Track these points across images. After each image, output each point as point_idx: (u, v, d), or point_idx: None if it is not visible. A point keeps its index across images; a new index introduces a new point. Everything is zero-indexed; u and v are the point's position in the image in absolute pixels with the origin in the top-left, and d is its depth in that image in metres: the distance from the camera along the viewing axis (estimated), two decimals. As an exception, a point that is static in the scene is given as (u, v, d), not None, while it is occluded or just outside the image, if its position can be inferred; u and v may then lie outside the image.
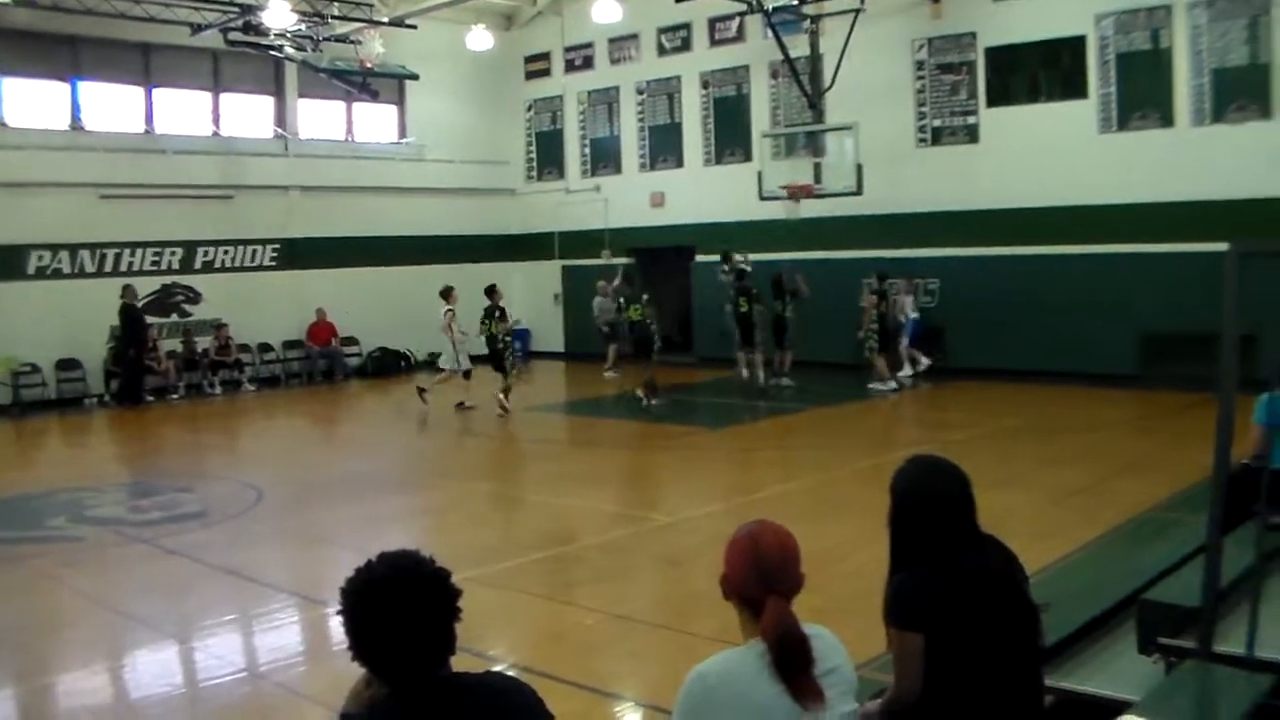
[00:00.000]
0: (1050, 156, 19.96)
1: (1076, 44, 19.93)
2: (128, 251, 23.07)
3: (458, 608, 2.74)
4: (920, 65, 21.90)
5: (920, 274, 21.47)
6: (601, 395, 21.41)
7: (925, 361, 20.37)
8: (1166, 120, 19.12)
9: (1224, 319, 4.58)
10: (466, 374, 19.77)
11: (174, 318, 23.67)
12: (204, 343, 23.69)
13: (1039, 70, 20.67)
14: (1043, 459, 13.60)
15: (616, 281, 21.47)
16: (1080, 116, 19.90)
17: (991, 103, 21.10)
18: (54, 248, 22.10)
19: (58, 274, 22.17)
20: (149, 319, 22.78)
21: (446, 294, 20.00)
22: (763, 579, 3.16)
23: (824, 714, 3.08)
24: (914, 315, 20.25)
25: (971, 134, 21.36)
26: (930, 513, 3.84)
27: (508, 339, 19.78)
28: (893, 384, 19.67)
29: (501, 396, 18.86)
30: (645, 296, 19.74)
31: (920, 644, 3.69)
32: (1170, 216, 18.52)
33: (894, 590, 3.83)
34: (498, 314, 19.56)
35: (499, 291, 19.98)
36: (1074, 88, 20.05)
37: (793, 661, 3.07)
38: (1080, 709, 4.88)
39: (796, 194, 21.38)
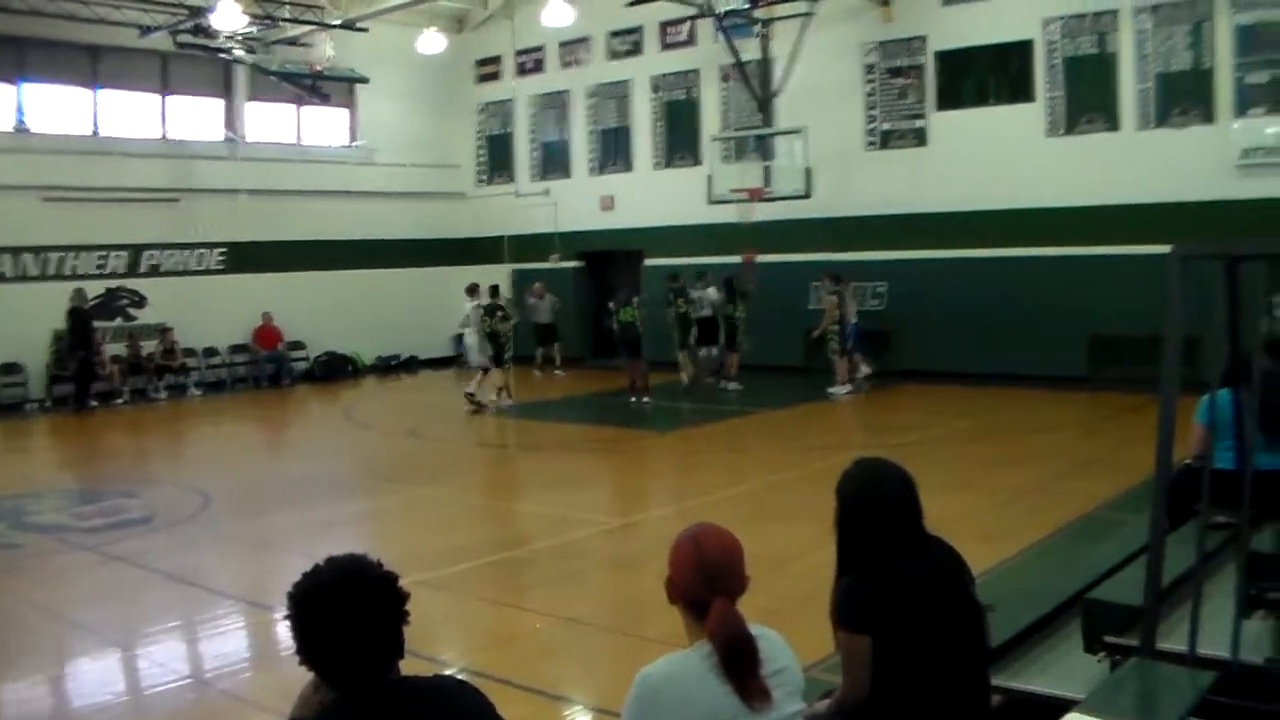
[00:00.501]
0: (998, 160, 20.14)
1: (1024, 48, 20.11)
2: (72, 255, 22.83)
3: (405, 611, 2.73)
4: (870, 69, 22.02)
5: (868, 277, 21.58)
6: (549, 399, 21.35)
7: (865, 369, 20.33)
8: (1112, 124, 19.33)
9: (1166, 321, 4.62)
10: (486, 370, 20.07)
11: (119, 321, 23.43)
12: (149, 347, 23.43)
13: (988, 74, 20.87)
14: (992, 461, 13.70)
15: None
16: (1028, 120, 20.09)
17: (941, 106, 21.27)
18: (-1, 251, 21.82)
19: (1, 278, 21.86)
20: (95, 323, 22.52)
21: (473, 290, 20.43)
22: (707, 581, 3.16)
23: (771, 714, 3.08)
24: (853, 320, 20.15)
25: (920, 137, 21.50)
26: (875, 515, 3.86)
27: (509, 336, 20.05)
28: (848, 387, 19.70)
29: (502, 392, 19.86)
30: (636, 299, 20.07)
31: (868, 645, 3.71)
32: (1117, 219, 18.72)
33: (841, 592, 3.84)
34: (499, 313, 19.84)
35: (500, 291, 20.67)
36: (1022, 91, 20.24)
37: (740, 662, 3.08)
38: (1027, 708, 4.91)
39: (755, 196, 21.42)
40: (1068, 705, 4.44)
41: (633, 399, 19.56)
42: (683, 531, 3.31)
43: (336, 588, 2.68)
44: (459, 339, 22.72)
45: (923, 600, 3.76)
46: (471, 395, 19.58)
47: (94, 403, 22.04)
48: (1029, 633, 5.49)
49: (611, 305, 20.60)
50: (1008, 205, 20.00)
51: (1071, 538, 9.53)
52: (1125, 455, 12.64)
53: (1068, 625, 5.57)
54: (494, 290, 20.29)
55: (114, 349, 22.99)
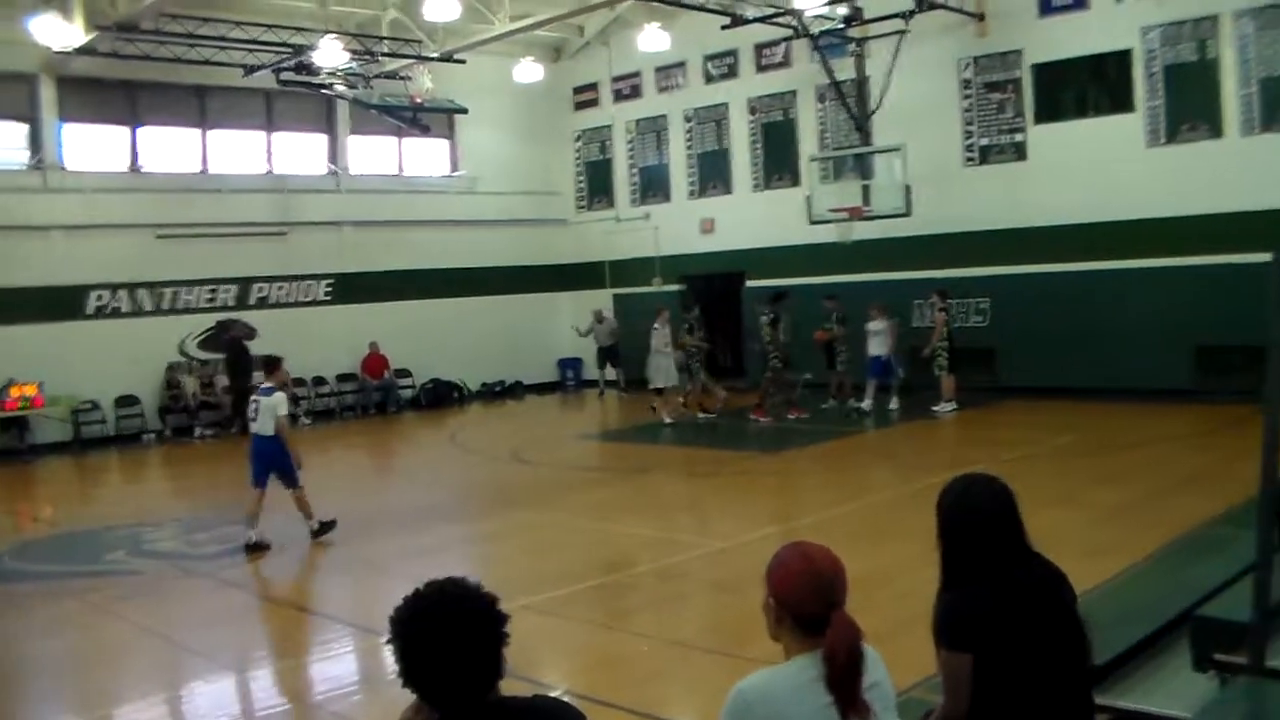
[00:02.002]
0: (1099, 171, 19.83)
1: (1123, 57, 19.83)
2: (184, 289, 23.41)
3: (505, 633, 2.75)
4: (966, 84, 21.84)
5: (970, 293, 21.36)
6: (650, 422, 21.34)
7: (868, 402, 20.19)
8: (1215, 131, 18.98)
9: (1272, 329, 4.54)
10: (659, 390, 20.62)
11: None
12: (259, 377, 23.79)
13: (1086, 85, 20.62)
14: (1096, 476, 13.50)
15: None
16: (1128, 130, 19.78)
17: (1039, 119, 21.02)
18: (113, 287, 22.49)
19: (116, 313, 22.54)
20: (207, 355, 23.15)
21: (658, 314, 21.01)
22: (822, 594, 3.16)
23: None
24: (880, 353, 20.11)
25: (1019, 151, 21.26)
26: (975, 530, 3.82)
27: (697, 348, 20.90)
28: (954, 405, 19.51)
29: (691, 403, 20.99)
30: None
31: (968, 663, 3.67)
32: (1222, 227, 18.33)
33: (941, 609, 3.81)
34: (686, 327, 20.73)
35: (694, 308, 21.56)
36: (1121, 101, 19.94)
37: (852, 673, 3.08)
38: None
39: (855, 215, 21.32)
40: (1175, 724, 4.38)
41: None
42: (783, 548, 3.30)
43: (437, 610, 2.71)
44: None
45: (1025, 617, 3.71)
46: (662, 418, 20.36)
47: (209, 432, 22.69)
48: (1136, 651, 5.40)
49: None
50: (1110, 217, 19.68)
51: (1177, 554, 9.32)
52: (1232, 469, 12.33)
53: (1176, 644, 5.46)
54: (686, 307, 21.48)
55: (224, 380, 23.42)
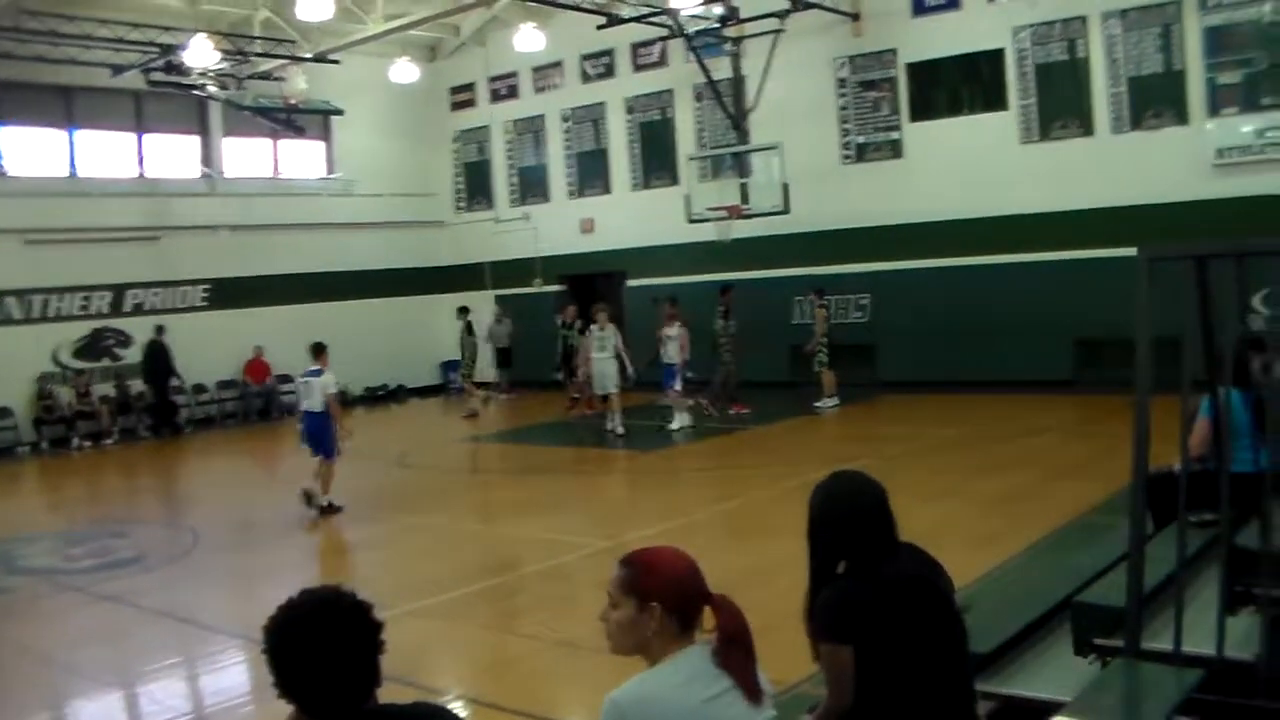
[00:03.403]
0: (974, 168, 20.23)
1: (995, 57, 20.25)
2: (55, 297, 22.81)
3: (380, 640, 2.74)
4: (842, 83, 22.13)
5: (850, 289, 21.65)
6: (540, 422, 21.34)
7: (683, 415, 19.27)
8: (1087, 129, 19.46)
9: (1137, 322, 4.67)
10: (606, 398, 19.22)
11: (105, 362, 23.40)
12: (137, 386, 23.42)
13: (960, 84, 21.00)
14: (979, 468, 13.74)
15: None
16: (1002, 127, 20.21)
17: (914, 117, 21.38)
18: (-23, 296, 21.83)
19: (-15, 322, 21.89)
20: (82, 364, 22.76)
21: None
22: (701, 585, 3.21)
23: (760, 715, 3.13)
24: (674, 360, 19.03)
25: (895, 149, 21.61)
26: (845, 526, 3.87)
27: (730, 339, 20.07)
28: (836, 400, 19.74)
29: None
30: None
31: (850, 655, 3.71)
32: (1095, 222, 18.76)
33: (821, 603, 3.84)
34: (722, 311, 20.04)
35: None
36: (995, 100, 20.37)
37: (747, 651, 3.14)
38: (1019, 713, 4.93)
39: (734, 213, 21.45)
40: (1059, 708, 4.48)
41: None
42: (636, 562, 3.28)
43: (310, 618, 2.71)
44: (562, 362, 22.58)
45: (903, 607, 3.76)
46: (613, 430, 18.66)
47: (87, 443, 22.28)
48: (1019, 638, 5.51)
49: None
50: (986, 213, 20.07)
51: (1059, 542, 9.56)
52: (1113, 458, 12.52)
53: (1058, 630, 5.60)
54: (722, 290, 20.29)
55: (102, 389, 22.99)
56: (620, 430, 18.33)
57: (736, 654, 3.13)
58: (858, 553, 3.84)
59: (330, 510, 13.92)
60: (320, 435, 14.16)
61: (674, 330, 18.93)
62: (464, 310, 22.64)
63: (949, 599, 3.93)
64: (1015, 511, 11.23)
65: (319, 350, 14.60)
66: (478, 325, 24.31)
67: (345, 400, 25.38)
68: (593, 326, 19.09)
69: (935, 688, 3.76)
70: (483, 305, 27.05)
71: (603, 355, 18.68)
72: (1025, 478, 12.94)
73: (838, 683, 3.78)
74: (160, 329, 23.43)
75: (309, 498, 13.90)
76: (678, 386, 18.76)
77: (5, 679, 8.77)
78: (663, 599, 3.21)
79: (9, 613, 10.60)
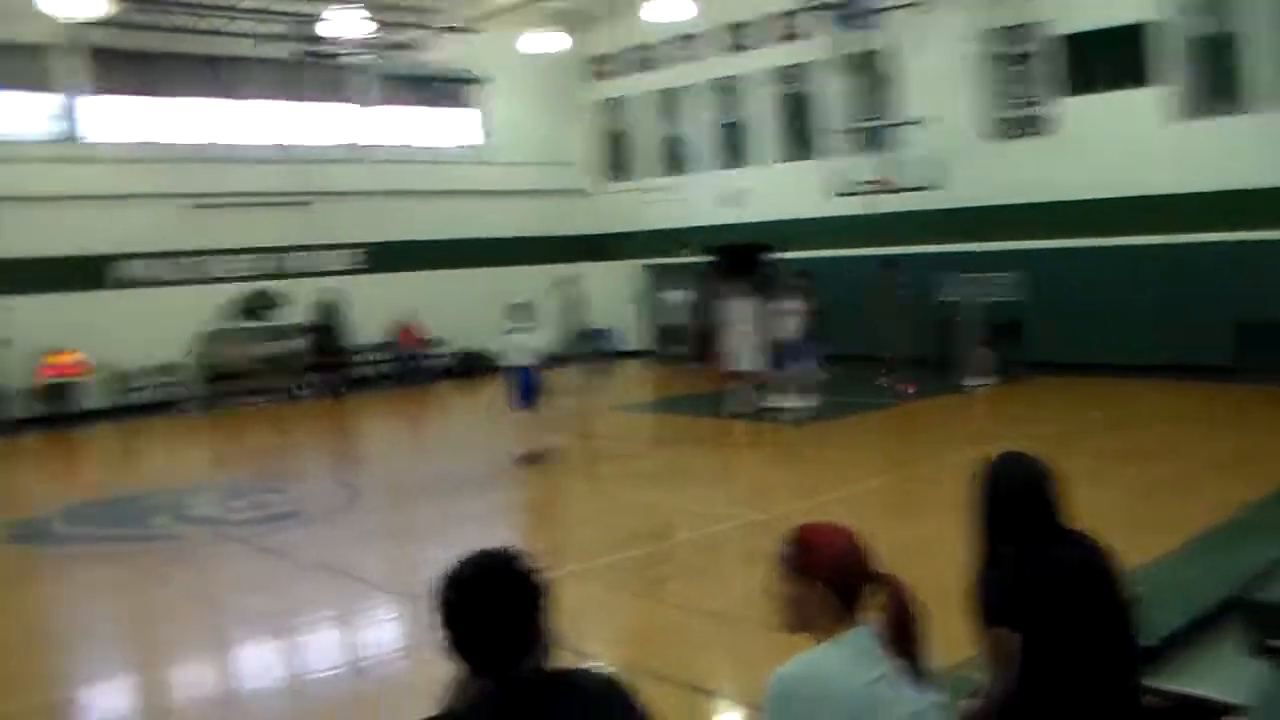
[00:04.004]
0: (1127, 144, 19.62)
1: (1150, 30, 19.56)
2: (215, 259, 23.62)
3: (549, 603, 2.77)
4: (992, 56, 21.67)
5: (1000, 266, 21.25)
6: (689, 394, 21.38)
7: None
8: (1244, 105, 18.65)
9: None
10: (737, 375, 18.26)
11: (262, 322, 24.09)
12: (294, 345, 24.11)
13: (1112, 57, 20.19)
14: (1130, 455, 13.41)
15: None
16: (1156, 103, 19.53)
17: (1065, 92, 20.79)
18: (145, 256, 22.71)
19: (152, 282, 22.80)
20: (239, 324, 23.55)
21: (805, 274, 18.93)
22: (866, 563, 3.19)
23: (912, 706, 3.09)
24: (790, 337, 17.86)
25: (1046, 124, 21.09)
26: (1014, 508, 3.84)
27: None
28: (990, 379, 19.56)
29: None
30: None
31: (1016, 641, 3.67)
32: (1257, 203, 18.09)
33: (986, 587, 3.80)
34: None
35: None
36: (1148, 74, 19.66)
37: (914, 635, 3.12)
38: (1184, 712, 4.78)
39: (880, 187, 21.25)
40: (1225, 710, 4.36)
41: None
42: (801, 538, 3.26)
43: (482, 579, 2.75)
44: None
45: (1071, 593, 3.72)
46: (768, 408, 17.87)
47: (260, 399, 23.16)
48: (1184, 633, 5.35)
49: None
50: (1141, 191, 19.46)
51: (1220, 537, 9.24)
52: (1274, 451, 12.34)
53: (1224, 628, 5.39)
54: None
55: (260, 349, 23.73)
56: (757, 406, 17.84)
57: (902, 637, 3.10)
58: (1026, 536, 3.80)
59: (533, 459, 14.69)
60: (525, 388, 15.00)
61: (794, 304, 17.95)
62: (565, 281, 22.02)
63: (1119, 587, 3.87)
64: (1168, 502, 10.93)
65: (523, 309, 15.60)
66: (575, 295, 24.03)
67: (469, 367, 25.90)
68: (733, 299, 18.44)
69: (1101, 678, 3.71)
70: (629, 274, 27.26)
71: (743, 329, 18.02)
72: (1178, 468, 12.58)
73: (1002, 668, 3.72)
74: (332, 290, 24.06)
75: (529, 457, 14.70)
76: (799, 364, 17.92)
77: (176, 620, 9.17)
78: (824, 577, 3.18)
79: (177, 558, 11.08)
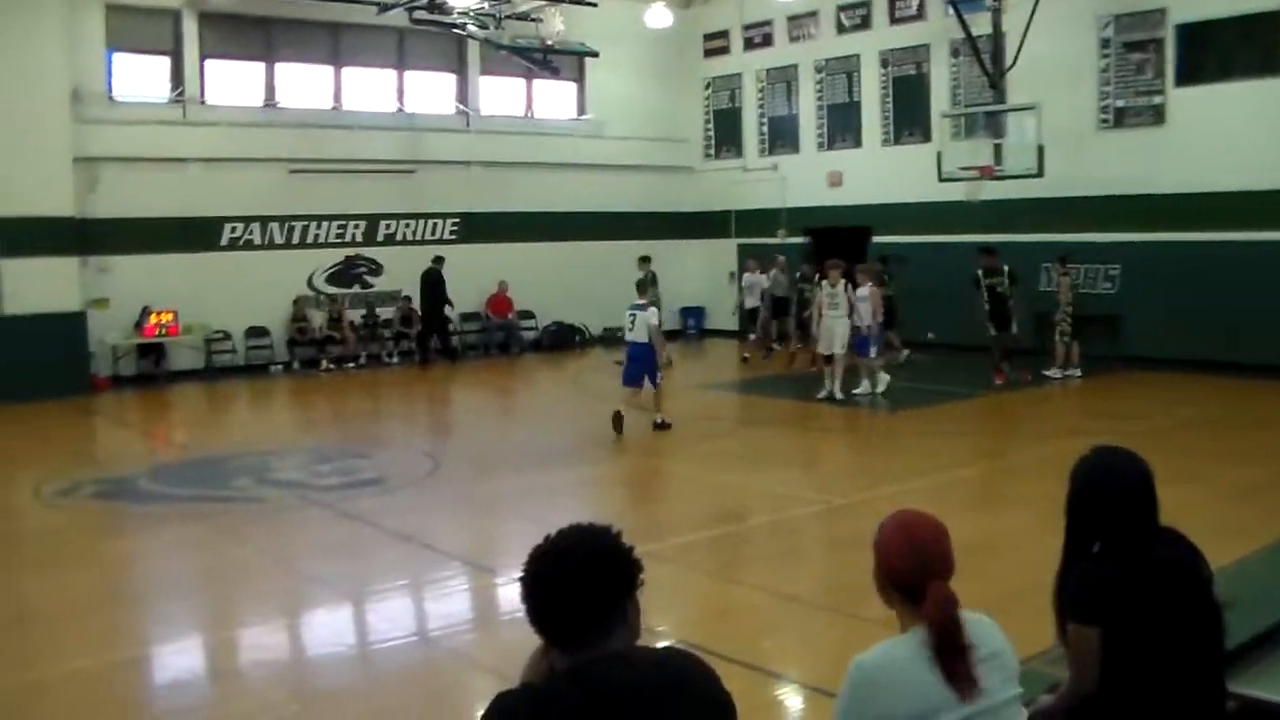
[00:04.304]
0: (1243, 137, 19.08)
1: (1275, 17, 19.00)
2: (314, 224, 23.82)
3: (638, 582, 2.74)
4: (1105, 43, 21.22)
5: (1100, 259, 20.90)
6: (777, 375, 21.24)
7: (884, 378, 18.23)
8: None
9: None
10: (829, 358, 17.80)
11: (356, 289, 24.31)
12: (386, 313, 24.32)
13: (1233, 46, 19.73)
14: (1223, 453, 13.13)
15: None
16: (1276, 95, 19.03)
17: (1180, 82, 20.29)
18: (246, 220, 22.96)
19: (249, 245, 23.02)
20: (334, 290, 23.79)
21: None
22: (921, 564, 3.14)
23: (985, 701, 3.06)
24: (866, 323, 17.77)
25: (1158, 114, 20.59)
26: (1110, 504, 3.76)
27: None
28: (1076, 372, 19.18)
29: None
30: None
31: (1097, 638, 3.62)
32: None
33: (1073, 583, 3.75)
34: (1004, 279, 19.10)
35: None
36: (1271, 64, 19.17)
37: (950, 646, 3.06)
38: (1263, 716, 4.69)
39: (986, 174, 20.89)
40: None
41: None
42: (887, 518, 3.29)
43: (567, 553, 2.70)
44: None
45: (1157, 592, 3.64)
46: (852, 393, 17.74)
47: (332, 366, 23.29)
48: (1268, 637, 5.22)
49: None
50: (1253, 186, 18.93)
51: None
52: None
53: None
54: (988, 251, 19.28)
55: (352, 315, 23.94)
56: (839, 395, 17.46)
57: (934, 645, 3.06)
58: (1116, 532, 3.74)
59: (663, 427, 15.36)
60: (644, 363, 15.38)
61: (865, 290, 17.77)
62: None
63: (1208, 589, 3.79)
64: (1261, 502, 10.67)
65: (644, 285, 16.13)
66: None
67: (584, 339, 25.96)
68: (824, 283, 18.05)
69: (1184, 680, 3.64)
70: (727, 253, 27.18)
71: (834, 314, 17.63)
72: (1271, 469, 12.24)
73: (1082, 665, 3.69)
74: (439, 258, 24.20)
75: (619, 421, 15.10)
76: (872, 352, 17.75)
77: (254, 581, 9.27)
78: (879, 567, 3.25)
79: (260, 520, 11.21)
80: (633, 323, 15.52)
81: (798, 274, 22.96)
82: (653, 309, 15.59)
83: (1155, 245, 20.19)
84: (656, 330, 15.45)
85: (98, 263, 20.92)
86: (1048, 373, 19.18)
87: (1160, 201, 20.05)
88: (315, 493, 12.34)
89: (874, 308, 17.70)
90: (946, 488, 11.75)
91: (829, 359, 17.74)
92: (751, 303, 23.74)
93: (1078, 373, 19.18)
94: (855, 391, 17.66)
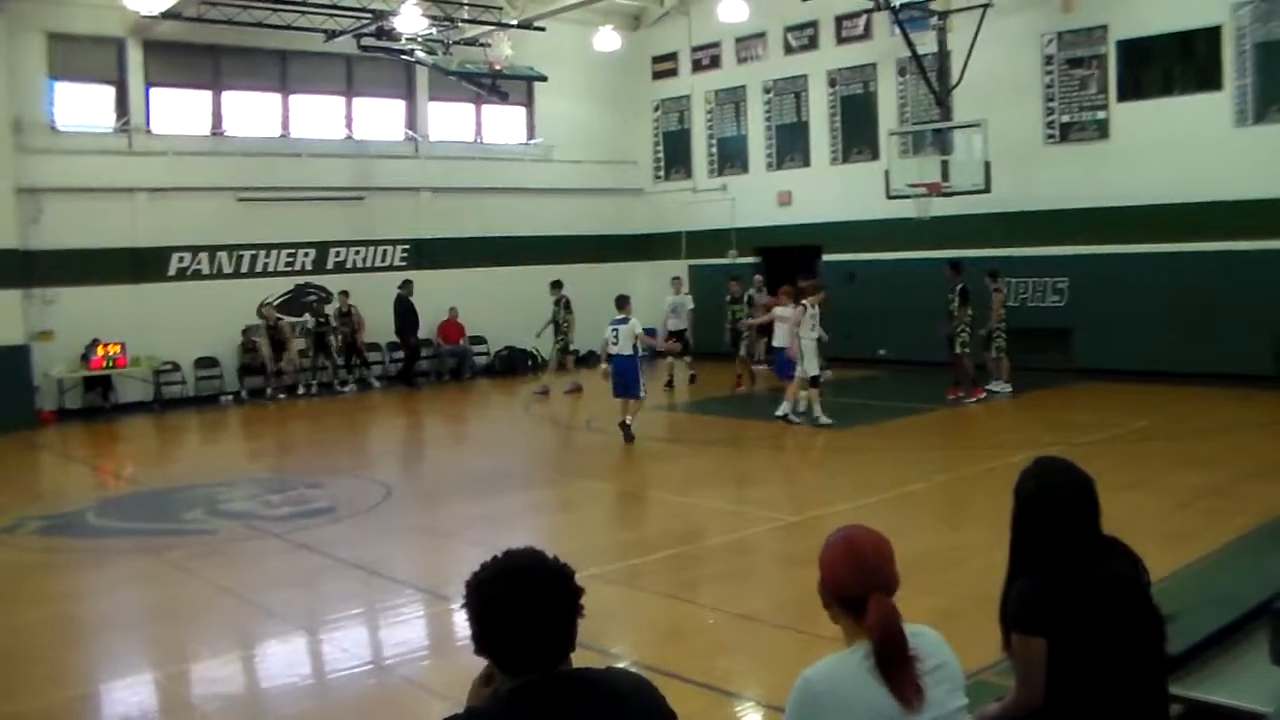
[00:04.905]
0: (1184, 151, 19.40)
1: (1212, 34, 19.35)
2: (263, 252, 23.69)
3: (579, 605, 2.75)
4: (1049, 60, 21.49)
5: (1048, 272, 21.11)
6: (729, 395, 21.27)
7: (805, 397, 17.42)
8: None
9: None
10: (814, 380, 17.21)
11: (306, 317, 24.12)
12: (336, 342, 24.15)
13: (1172, 62, 20.11)
14: (1173, 461, 13.32)
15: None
16: (1215, 109, 19.31)
17: (1123, 97, 20.61)
18: (194, 249, 22.79)
19: (198, 275, 22.85)
20: (285, 318, 23.60)
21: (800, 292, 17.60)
22: (863, 578, 3.16)
23: (929, 712, 3.07)
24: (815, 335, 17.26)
25: (1102, 129, 20.89)
26: (1053, 515, 3.79)
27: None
28: (1009, 386, 19.32)
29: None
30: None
31: (1043, 649, 3.65)
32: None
33: (1017, 594, 3.78)
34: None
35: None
36: (1209, 80, 19.46)
37: (894, 658, 3.06)
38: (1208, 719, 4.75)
39: (934, 190, 21.04)
40: (1252, 718, 4.30)
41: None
42: (831, 534, 3.30)
43: (514, 577, 2.71)
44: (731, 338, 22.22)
45: (1101, 603, 3.67)
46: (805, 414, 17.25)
47: (281, 395, 23.06)
48: (1213, 641, 5.29)
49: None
50: (1193, 198, 19.23)
51: (1257, 543, 9.16)
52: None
53: (1253, 636, 5.36)
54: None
55: (300, 344, 23.75)
56: (824, 420, 16.88)
57: (876, 658, 3.07)
58: (1060, 543, 3.77)
59: (627, 430, 15.92)
60: (629, 376, 16.01)
61: (786, 311, 17.49)
62: (558, 284, 22.21)
63: (1149, 600, 3.82)
64: (1208, 509, 10.85)
65: (624, 301, 16.71)
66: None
67: (537, 364, 25.87)
68: (805, 302, 17.17)
69: (1128, 689, 3.67)
70: (678, 274, 27.18)
71: (811, 335, 17.08)
72: (1219, 475, 12.41)
73: (1027, 676, 3.71)
74: (407, 284, 24.31)
75: (628, 434, 15.91)
76: (796, 373, 17.11)
77: (205, 614, 9.16)
78: (821, 581, 3.27)
79: (212, 552, 11.06)
80: (616, 337, 16.10)
81: (727, 296, 22.97)
82: (634, 321, 16.20)
83: (1102, 258, 20.44)
84: (643, 337, 16.39)
85: (43, 294, 20.70)
86: (990, 387, 19.29)
87: (1106, 214, 20.32)
88: (267, 523, 12.21)
89: (794, 327, 17.23)
90: (899, 502, 11.80)
91: (815, 381, 17.30)
92: (675, 324, 23.37)
93: (1009, 387, 19.33)
94: (800, 411, 17.26)
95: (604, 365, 16.84)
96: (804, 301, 17.19)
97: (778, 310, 17.94)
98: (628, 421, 15.99)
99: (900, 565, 3.24)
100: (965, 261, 19.91)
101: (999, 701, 3.87)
